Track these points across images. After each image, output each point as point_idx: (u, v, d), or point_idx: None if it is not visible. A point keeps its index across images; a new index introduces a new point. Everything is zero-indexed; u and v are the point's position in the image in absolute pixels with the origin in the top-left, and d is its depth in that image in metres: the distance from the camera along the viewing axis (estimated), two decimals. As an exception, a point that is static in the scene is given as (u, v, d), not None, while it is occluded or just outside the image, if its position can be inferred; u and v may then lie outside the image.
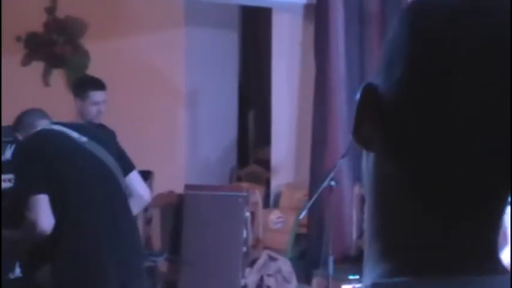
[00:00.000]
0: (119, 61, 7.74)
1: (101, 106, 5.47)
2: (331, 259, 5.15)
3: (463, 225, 0.85)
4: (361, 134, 0.88)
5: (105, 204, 3.93)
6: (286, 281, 6.13)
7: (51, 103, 5.25)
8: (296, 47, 6.99)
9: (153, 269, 6.74)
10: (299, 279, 6.21)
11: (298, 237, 6.60)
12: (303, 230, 6.56)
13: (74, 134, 4.03)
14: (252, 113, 8.62)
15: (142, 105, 7.72)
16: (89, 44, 7.89)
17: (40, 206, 3.70)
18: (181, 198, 6.72)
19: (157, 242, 6.79)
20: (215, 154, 8.01)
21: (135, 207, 4.23)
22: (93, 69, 7.09)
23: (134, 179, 4.37)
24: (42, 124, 4.06)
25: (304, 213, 5.56)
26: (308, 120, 6.59)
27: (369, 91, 0.88)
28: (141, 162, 7.40)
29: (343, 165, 5.84)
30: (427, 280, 0.84)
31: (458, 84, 0.81)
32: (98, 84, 5.49)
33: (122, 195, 4.09)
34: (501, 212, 0.87)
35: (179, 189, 6.81)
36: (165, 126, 7.75)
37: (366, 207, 0.91)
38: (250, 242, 6.44)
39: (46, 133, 3.98)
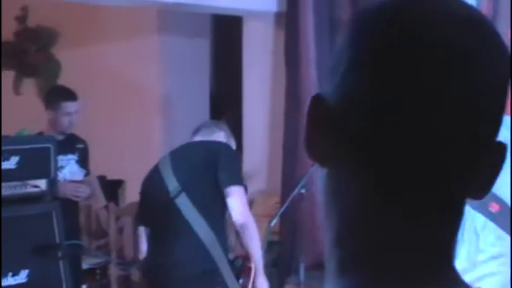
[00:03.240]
0: (91, 70, 7.73)
1: (73, 117, 5.46)
2: (302, 266, 5.17)
3: (422, 234, 0.85)
4: (313, 147, 0.88)
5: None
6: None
7: (23, 112, 5.25)
8: (267, 55, 7.00)
9: (125, 278, 6.73)
10: (272, 286, 6.21)
11: (270, 244, 6.60)
12: (276, 238, 6.56)
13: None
14: (224, 121, 8.62)
15: (115, 114, 7.71)
16: (60, 52, 7.87)
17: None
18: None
19: (129, 251, 6.77)
20: (188, 162, 7.99)
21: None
22: (65, 78, 7.09)
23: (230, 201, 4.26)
24: None
25: (275, 221, 5.57)
26: (280, 127, 6.60)
27: (315, 102, 0.87)
28: (114, 171, 7.42)
29: (315, 173, 5.85)
30: None
31: (397, 85, 0.81)
32: (70, 95, 5.48)
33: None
34: (459, 223, 0.88)
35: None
36: (138, 134, 7.75)
37: (324, 219, 0.91)
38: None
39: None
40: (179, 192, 4.20)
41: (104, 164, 6.76)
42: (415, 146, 0.81)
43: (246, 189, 4.36)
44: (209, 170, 4.21)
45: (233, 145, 4.56)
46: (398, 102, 0.81)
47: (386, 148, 0.82)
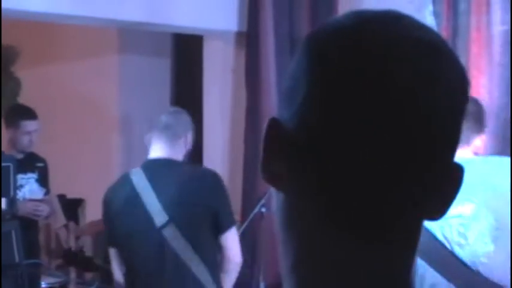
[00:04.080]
0: (51, 88, 7.69)
1: (33, 135, 5.44)
2: (262, 285, 5.18)
3: (377, 259, 0.84)
4: (270, 171, 0.86)
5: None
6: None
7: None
8: (228, 73, 7.02)
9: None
10: (232, 306, 6.20)
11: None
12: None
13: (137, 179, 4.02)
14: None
15: (75, 133, 7.68)
16: (20, 71, 7.83)
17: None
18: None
19: (88, 270, 6.73)
20: (148, 181, 7.97)
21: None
22: (25, 97, 7.04)
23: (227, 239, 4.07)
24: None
25: (236, 239, 5.56)
26: (240, 146, 6.61)
27: (272, 125, 0.86)
28: (73, 190, 7.38)
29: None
30: None
31: (360, 108, 0.81)
32: (30, 114, 5.45)
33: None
34: (416, 245, 0.87)
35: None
36: (98, 153, 7.71)
37: (281, 245, 0.89)
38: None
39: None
40: (167, 223, 3.88)
41: (63, 183, 6.72)
42: (371, 172, 0.82)
43: None
44: (201, 203, 3.91)
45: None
46: (357, 129, 0.81)
47: (341, 174, 0.82)
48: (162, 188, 3.93)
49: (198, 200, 3.91)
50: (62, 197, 7.09)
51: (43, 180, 5.61)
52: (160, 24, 6.40)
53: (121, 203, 4.04)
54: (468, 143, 3.30)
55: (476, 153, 3.39)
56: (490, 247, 3.04)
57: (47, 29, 7.72)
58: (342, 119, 0.81)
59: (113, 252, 4.10)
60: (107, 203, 4.15)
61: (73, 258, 6.68)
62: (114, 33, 7.69)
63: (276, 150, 0.85)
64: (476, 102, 3.46)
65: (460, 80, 0.86)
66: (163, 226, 3.88)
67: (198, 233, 3.94)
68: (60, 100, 7.65)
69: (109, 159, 7.75)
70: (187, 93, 8.37)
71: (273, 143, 0.86)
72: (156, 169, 4.09)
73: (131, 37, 7.65)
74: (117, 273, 4.13)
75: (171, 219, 3.87)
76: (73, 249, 6.64)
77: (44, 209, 5.49)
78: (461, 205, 3.01)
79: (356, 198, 0.82)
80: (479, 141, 3.38)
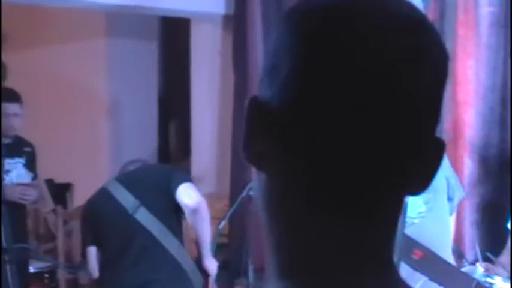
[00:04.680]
0: (38, 72, 7.66)
1: (14, 119, 5.37)
2: (251, 268, 5.17)
3: (359, 236, 0.84)
4: (253, 151, 0.86)
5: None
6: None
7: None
8: (215, 57, 7.01)
9: (73, 282, 6.69)
10: (221, 289, 6.21)
11: (219, 247, 6.61)
12: (225, 240, 6.57)
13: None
14: (173, 124, 8.61)
15: (63, 117, 7.66)
16: (7, 55, 7.79)
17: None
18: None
19: (77, 255, 6.73)
20: (137, 165, 7.97)
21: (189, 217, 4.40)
22: (12, 81, 7.00)
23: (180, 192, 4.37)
24: None
25: (224, 223, 5.57)
26: (229, 129, 6.61)
27: (254, 104, 0.86)
28: (62, 174, 7.36)
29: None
30: None
31: (345, 84, 0.80)
32: (10, 96, 5.39)
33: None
34: (397, 221, 0.87)
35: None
36: (86, 137, 7.70)
37: (264, 225, 0.89)
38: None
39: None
40: (138, 207, 4.28)
41: (51, 168, 6.70)
42: (355, 148, 0.81)
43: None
44: (163, 186, 4.33)
45: None
46: (342, 105, 0.81)
47: (326, 151, 0.82)
48: (131, 184, 4.39)
49: (159, 184, 4.36)
50: (50, 182, 7.07)
51: (30, 165, 5.59)
52: (147, 7, 6.37)
53: (97, 205, 4.50)
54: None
55: None
56: (422, 208, 3.24)
57: (34, 13, 7.68)
58: (327, 95, 0.81)
59: (90, 251, 4.48)
60: (85, 209, 4.66)
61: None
62: (101, 17, 7.66)
63: (259, 129, 0.85)
64: None
65: (442, 55, 0.86)
66: (135, 210, 4.27)
67: (166, 211, 4.34)
68: (47, 84, 7.62)
69: (97, 143, 7.74)
70: (175, 77, 8.36)
71: (255, 122, 0.85)
72: (124, 175, 4.61)
73: (118, 20, 7.62)
74: (93, 269, 4.49)
75: (141, 203, 4.29)
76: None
77: (32, 194, 5.47)
78: None
79: (340, 174, 0.82)
80: None
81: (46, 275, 6.64)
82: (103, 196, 4.44)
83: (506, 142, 4.76)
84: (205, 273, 4.56)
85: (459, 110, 4.84)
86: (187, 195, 4.32)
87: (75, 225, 6.70)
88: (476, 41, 4.83)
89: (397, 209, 0.87)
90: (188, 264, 4.40)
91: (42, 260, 6.57)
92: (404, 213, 3.33)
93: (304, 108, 0.82)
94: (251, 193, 5.15)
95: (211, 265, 4.58)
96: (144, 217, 4.27)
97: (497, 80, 4.78)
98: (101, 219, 4.42)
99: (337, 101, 0.81)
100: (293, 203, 0.85)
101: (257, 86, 0.90)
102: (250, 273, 5.16)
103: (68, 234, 6.69)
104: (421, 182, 0.87)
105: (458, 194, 3.55)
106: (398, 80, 0.81)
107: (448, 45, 4.93)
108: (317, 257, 0.84)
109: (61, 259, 6.40)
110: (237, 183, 6.37)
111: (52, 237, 6.92)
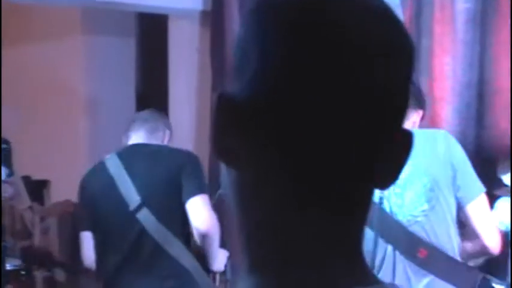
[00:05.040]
0: (15, 70, 7.62)
1: None
2: (229, 263, 5.17)
3: (328, 228, 0.84)
4: (223, 148, 0.85)
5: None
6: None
7: None
8: (193, 53, 7.00)
9: (50, 279, 6.66)
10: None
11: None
12: (202, 236, 6.56)
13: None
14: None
15: (40, 114, 7.63)
16: (-17, 52, 7.75)
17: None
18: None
19: (55, 252, 6.71)
20: (114, 162, 7.95)
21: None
22: (-12, 79, 6.97)
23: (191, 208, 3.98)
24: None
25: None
26: (206, 125, 6.61)
27: (222, 99, 0.84)
28: (39, 171, 7.33)
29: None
30: None
31: (315, 74, 0.80)
32: None
33: None
34: (367, 214, 0.87)
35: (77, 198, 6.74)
36: (64, 134, 7.67)
37: (236, 220, 0.88)
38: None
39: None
40: (140, 207, 3.91)
41: (28, 164, 6.68)
42: (325, 139, 0.81)
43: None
44: (173, 183, 3.94)
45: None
46: (316, 96, 0.80)
47: (297, 144, 0.81)
48: (137, 170, 3.96)
49: (168, 180, 3.92)
50: (26, 179, 7.05)
51: (6, 162, 5.57)
52: (124, 3, 6.36)
53: (96, 188, 4.04)
54: (407, 117, 3.34)
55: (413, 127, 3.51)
56: (425, 206, 3.31)
57: (9, 10, 7.63)
58: (302, 87, 0.80)
59: (85, 237, 4.07)
60: (83, 189, 4.14)
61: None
62: (77, 14, 7.63)
63: (229, 124, 0.84)
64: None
65: (408, 46, 0.86)
66: (137, 209, 3.90)
67: (172, 212, 3.95)
68: (24, 82, 7.59)
69: (75, 140, 7.71)
70: (153, 74, 8.34)
71: (224, 116, 0.84)
72: (131, 153, 4.09)
73: (95, 17, 7.60)
74: (88, 257, 4.10)
75: (144, 202, 3.90)
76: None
77: (7, 190, 5.45)
78: None
79: (311, 167, 0.82)
80: (416, 117, 3.53)
81: (23, 272, 6.61)
82: (102, 176, 4.02)
83: (482, 138, 4.78)
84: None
85: (436, 106, 4.85)
86: (198, 216, 3.94)
87: (52, 222, 6.68)
88: (452, 38, 4.85)
89: (367, 201, 0.87)
90: (196, 271, 4.08)
91: (18, 257, 6.54)
92: (383, 209, 3.34)
93: (277, 100, 0.81)
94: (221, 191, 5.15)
95: (219, 264, 4.35)
96: (147, 219, 3.90)
97: (473, 76, 4.80)
98: (98, 204, 4.00)
99: (312, 92, 0.80)
100: (264, 197, 0.84)
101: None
102: (228, 269, 5.16)
103: (45, 231, 6.67)
104: (389, 175, 0.87)
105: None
106: (371, 72, 0.81)
107: (425, 42, 4.96)
108: (288, 250, 0.84)
109: (38, 256, 6.38)
110: (215, 179, 6.36)
111: (29, 235, 6.89)
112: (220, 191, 5.12)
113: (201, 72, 6.90)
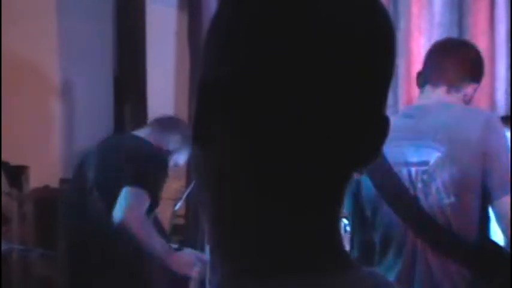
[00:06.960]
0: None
1: None
2: (208, 248, 5.18)
3: (303, 219, 0.83)
4: (200, 132, 0.85)
5: None
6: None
7: None
8: (171, 37, 6.97)
9: (26, 265, 6.64)
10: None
11: (175, 227, 6.61)
12: (181, 221, 6.57)
13: None
14: (128, 104, 8.55)
15: (15, 99, 7.56)
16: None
17: None
18: (56, 192, 6.63)
19: (31, 238, 6.68)
20: (91, 147, 7.92)
21: None
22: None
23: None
24: None
25: (180, 204, 5.57)
26: (185, 109, 6.59)
27: (202, 86, 0.86)
28: (15, 157, 7.27)
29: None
30: (265, 281, 0.83)
31: (296, 56, 0.80)
32: None
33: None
34: (341, 203, 0.87)
35: (55, 184, 6.72)
36: (38, 119, 7.61)
37: (200, 205, 0.89)
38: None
39: None
40: (91, 189, 3.98)
41: (4, 150, 6.64)
42: (299, 123, 0.80)
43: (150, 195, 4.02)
44: (119, 168, 3.94)
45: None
46: (289, 80, 0.79)
47: (269, 128, 0.80)
48: (98, 157, 4.14)
49: (116, 164, 3.99)
50: (5, 164, 7.01)
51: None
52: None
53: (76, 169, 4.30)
54: (458, 89, 3.17)
55: (465, 102, 3.22)
56: (452, 198, 3.04)
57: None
58: (273, 70, 0.80)
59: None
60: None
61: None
62: (52, -4, 7.56)
63: (207, 109, 0.84)
64: (474, 49, 3.30)
65: (391, 31, 0.85)
66: (89, 192, 4.02)
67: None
68: (-3, 65, 7.52)
69: (50, 124, 7.65)
70: (130, 58, 8.29)
71: (203, 102, 0.84)
72: (104, 140, 4.41)
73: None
74: None
75: (95, 184, 4.01)
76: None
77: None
78: (427, 152, 3.00)
79: (285, 151, 0.81)
80: (471, 90, 3.22)
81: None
82: (83, 160, 4.20)
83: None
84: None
85: (413, 88, 4.85)
86: (119, 204, 3.86)
87: (30, 207, 6.65)
88: (429, 20, 4.84)
89: (343, 185, 0.86)
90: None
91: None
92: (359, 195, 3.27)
93: (243, 83, 0.81)
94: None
95: (177, 262, 4.27)
96: (93, 201, 3.97)
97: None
98: (72, 184, 4.22)
99: (283, 76, 0.79)
100: (232, 182, 0.84)
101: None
102: (207, 253, 5.16)
103: (22, 217, 6.64)
104: (365, 158, 0.86)
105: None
106: (351, 55, 0.80)
107: (402, 24, 4.95)
108: (258, 239, 0.83)
109: (15, 242, 6.35)
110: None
111: (6, 221, 6.85)
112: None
113: (179, 56, 6.88)
